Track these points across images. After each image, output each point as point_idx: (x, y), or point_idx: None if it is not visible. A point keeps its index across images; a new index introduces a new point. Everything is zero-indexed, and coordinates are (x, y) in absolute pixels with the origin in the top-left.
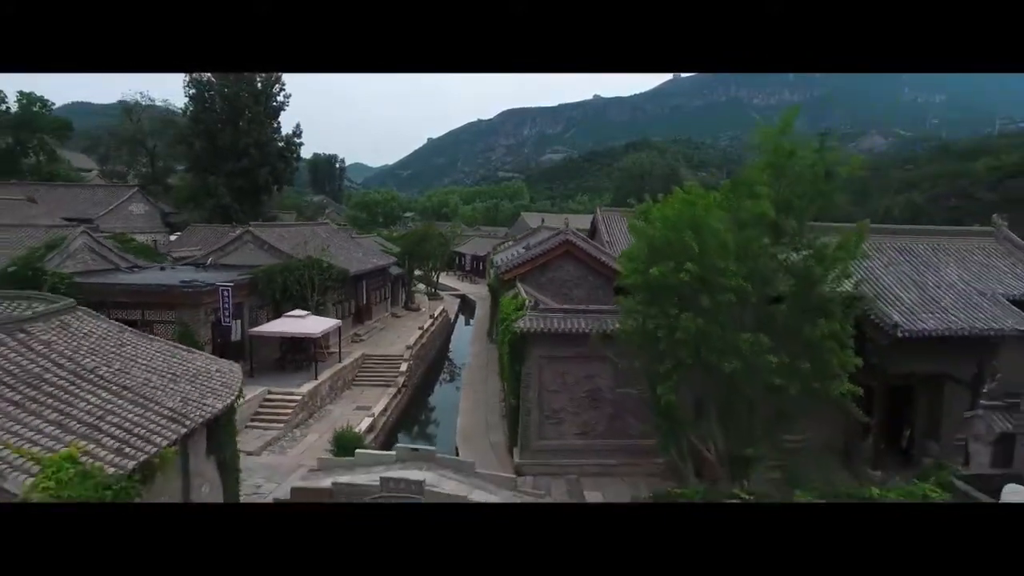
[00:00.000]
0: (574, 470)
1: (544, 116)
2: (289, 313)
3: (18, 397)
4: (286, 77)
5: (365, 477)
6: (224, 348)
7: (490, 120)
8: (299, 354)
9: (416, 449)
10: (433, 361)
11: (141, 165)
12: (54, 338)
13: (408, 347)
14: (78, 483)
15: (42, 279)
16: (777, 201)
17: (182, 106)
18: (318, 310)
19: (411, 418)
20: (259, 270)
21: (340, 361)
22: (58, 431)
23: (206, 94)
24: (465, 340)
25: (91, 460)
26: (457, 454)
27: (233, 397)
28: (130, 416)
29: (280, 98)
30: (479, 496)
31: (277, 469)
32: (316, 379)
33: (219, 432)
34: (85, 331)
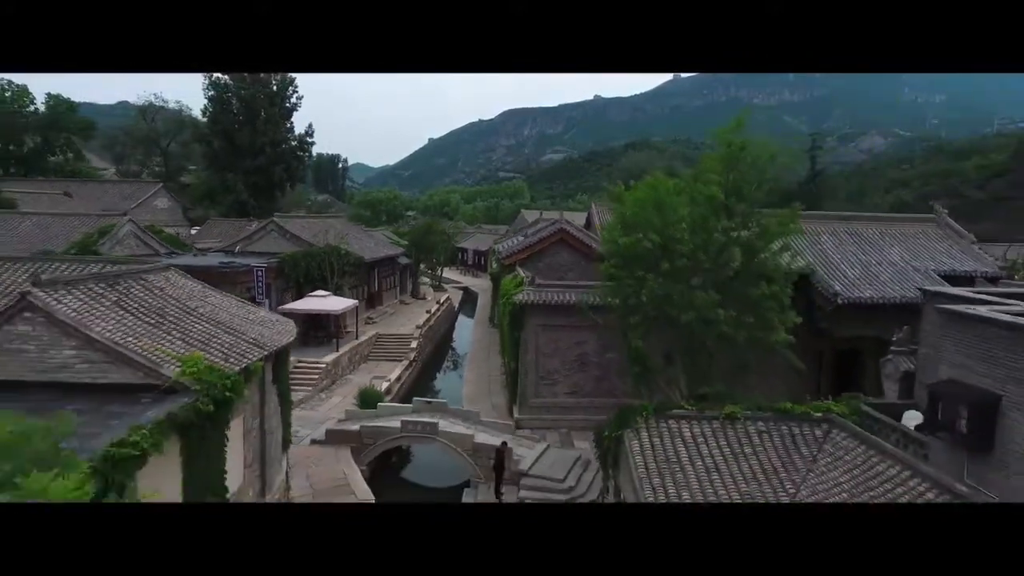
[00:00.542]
0: (565, 424)
1: (545, 116)
2: (312, 293)
3: (152, 321)
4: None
5: (387, 422)
6: None
7: (491, 120)
8: (320, 331)
9: (430, 401)
10: (440, 342)
11: (155, 164)
12: (164, 285)
13: (418, 327)
14: (208, 372)
15: None
16: (728, 187)
17: (196, 107)
18: (336, 293)
19: (421, 386)
20: (285, 255)
21: (357, 338)
22: (183, 344)
23: (224, 96)
24: (466, 339)
25: (210, 360)
26: None
27: (291, 338)
28: (227, 340)
29: (293, 99)
30: (483, 437)
31: (309, 420)
32: (337, 351)
33: (280, 367)
34: (180, 284)
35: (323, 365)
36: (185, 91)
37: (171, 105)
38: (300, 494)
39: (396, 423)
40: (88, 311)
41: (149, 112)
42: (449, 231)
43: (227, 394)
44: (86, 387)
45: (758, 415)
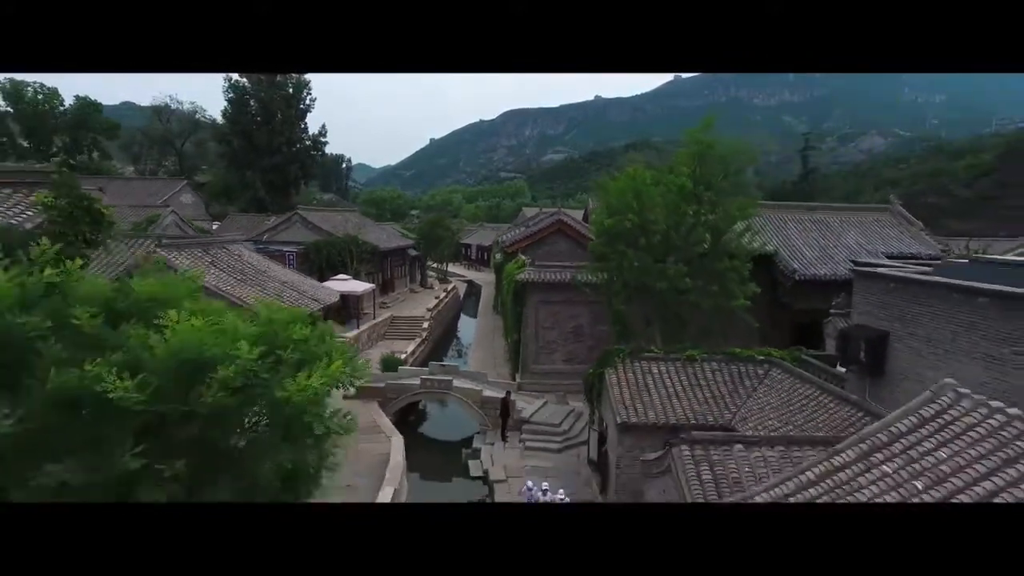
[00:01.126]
0: (562, 388)
1: (545, 117)
2: (334, 277)
3: (237, 278)
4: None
5: (408, 380)
6: None
7: (492, 121)
8: (341, 311)
9: (444, 364)
10: (447, 326)
11: (170, 163)
12: (241, 253)
13: (428, 310)
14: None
15: None
16: (697, 178)
17: (210, 108)
18: (355, 278)
19: (434, 360)
20: (309, 243)
21: (374, 318)
22: (261, 294)
23: (243, 97)
24: (469, 334)
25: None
26: None
27: (335, 299)
28: (292, 294)
29: (307, 101)
30: (490, 392)
31: None
32: (358, 328)
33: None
34: (250, 255)
35: (346, 339)
36: (197, 93)
37: (185, 106)
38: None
39: (416, 381)
40: (192, 267)
41: (164, 113)
42: (453, 228)
43: None
44: None
45: (712, 357)
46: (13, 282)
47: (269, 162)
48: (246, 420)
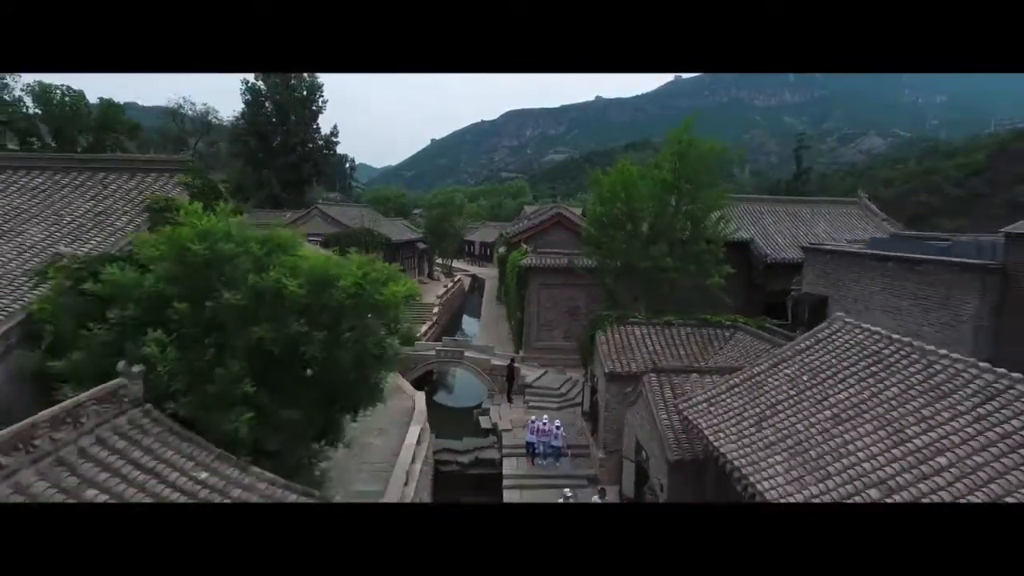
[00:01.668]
0: (560, 362)
1: (547, 117)
2: None
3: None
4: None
5: (424, 352)
6: None
7: (493, 121)
8: None
9: (456, 339)
10: (454, 312)
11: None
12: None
13: (438, 297)
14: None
15: None
16: (678, 173)
17: (222, 109)
18: None
19: None
20: (328, 235)
21: None
22: None
23: (259, 99)
24: (473, 331)
25: None
26: None
27: None
28: None
29: (319, 103)
30: (497, 361)
31: None
32: None
33: None
34: None
35: None
36: (204, 94)
37: (198, 107)
38: None
39: (431, 353)
40: None
41: (179, 114)
42: (456, 225)
43: None
44: None
45: (687, 322)
46: (220, 224)
47: (284, 161)
48: (356, 314)
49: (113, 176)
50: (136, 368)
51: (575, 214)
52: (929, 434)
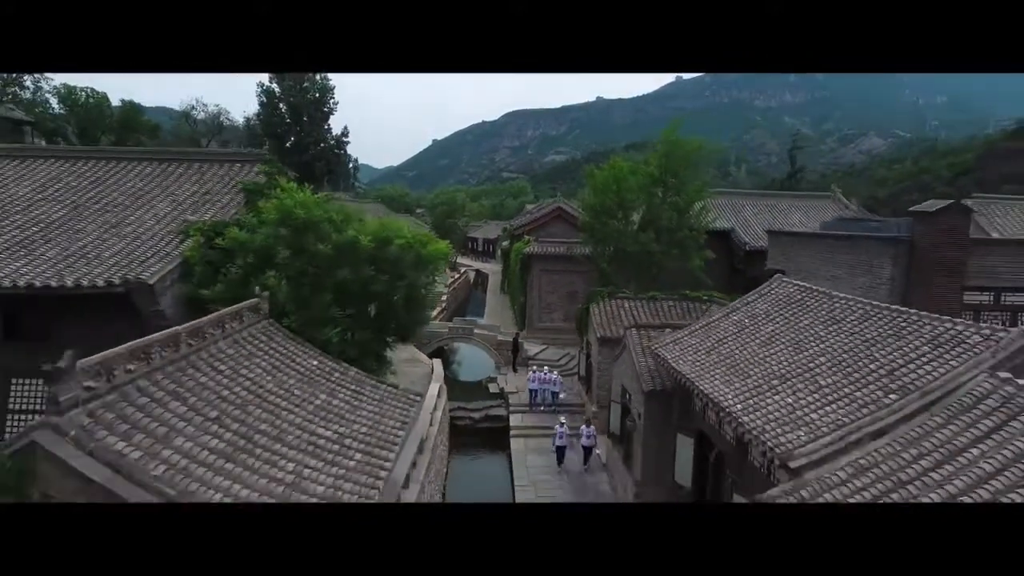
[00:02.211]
0: (560, 341)
1: (548, 118)
2: None
3: None
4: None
5: (437, 329)
6: None
7: (494, 121)
8: None
9: (465, 319)
10: (460, 303)
11: None
12: None
13: (447, 285)
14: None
15: None
16: (664, 169)
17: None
18: None
19: None
20: None
21: None
22: None
23: (274, 101)
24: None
25: None
26: None
27: None
28: None
29: (331, 104)
30: (503, 337)
31: None
32: None
33: None
34: None
35: None
36: (212, 94)
37: (210, 108)
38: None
39: (445, 329)
40: None
41: (192, 115)
42: (459, 224)
43: None
44: None
45: (669, 296)
46: (311, 197)
47: (298, 160)
48: (408, 264)
49: (207, 166)
50: (264, 293)
51: (574, 208)
52: (819, 345)
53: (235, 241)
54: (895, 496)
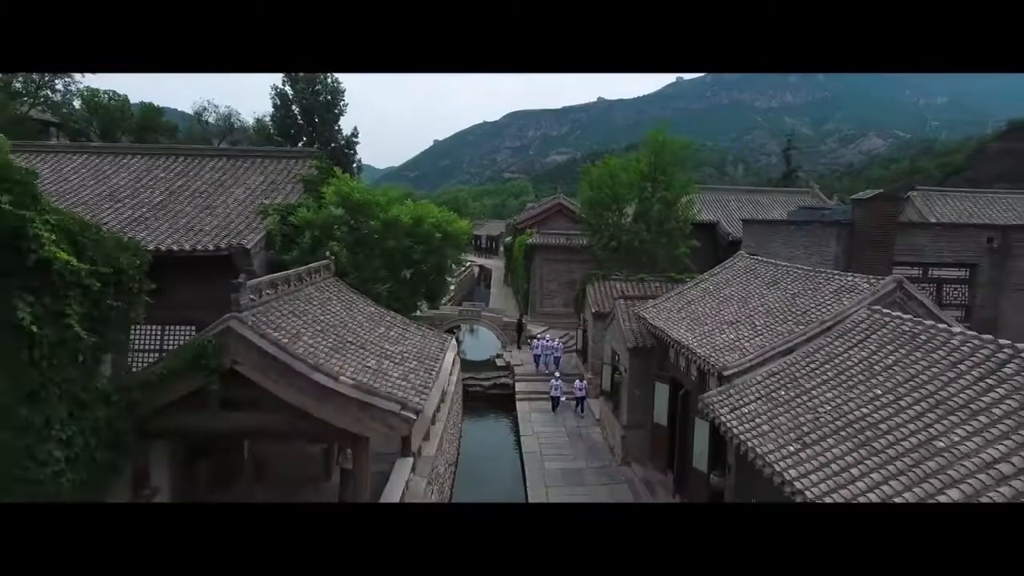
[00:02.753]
0: (560, 325)
1: (549, 118)
2: None
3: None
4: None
5: (447, 312)
6: None
7: (495, 122)
8: None
9: (473, 303)
10: (466, 293)
11: None
12: None
13: (452, 277)
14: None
15: None
16: (654, 166)
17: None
18: None
19: None
20: None
21: None
22: None
23: (287, 103)
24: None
25: None
26: None
27: None
28: None
29: (341, 105)
30: (507, 319)
31: None
32: None
33: None
34: None
35: None
36: (217, 95)
37: (221, 109)
38: None
39: (455, 313)
40: None
41: (204, 116)
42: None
43: None
44: None
45: (656, 277)
46: (362, 184)
47: None
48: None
49: (269, 161)
50: (331, 256)
51: (573, 203)
52: (760, 300)
53: (304, 219)
54: (789, 388)
